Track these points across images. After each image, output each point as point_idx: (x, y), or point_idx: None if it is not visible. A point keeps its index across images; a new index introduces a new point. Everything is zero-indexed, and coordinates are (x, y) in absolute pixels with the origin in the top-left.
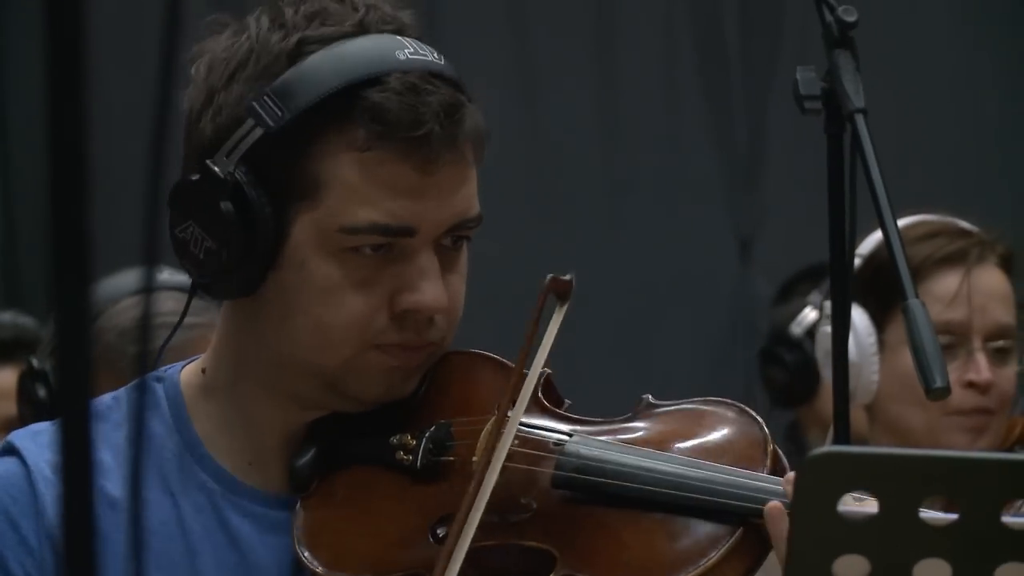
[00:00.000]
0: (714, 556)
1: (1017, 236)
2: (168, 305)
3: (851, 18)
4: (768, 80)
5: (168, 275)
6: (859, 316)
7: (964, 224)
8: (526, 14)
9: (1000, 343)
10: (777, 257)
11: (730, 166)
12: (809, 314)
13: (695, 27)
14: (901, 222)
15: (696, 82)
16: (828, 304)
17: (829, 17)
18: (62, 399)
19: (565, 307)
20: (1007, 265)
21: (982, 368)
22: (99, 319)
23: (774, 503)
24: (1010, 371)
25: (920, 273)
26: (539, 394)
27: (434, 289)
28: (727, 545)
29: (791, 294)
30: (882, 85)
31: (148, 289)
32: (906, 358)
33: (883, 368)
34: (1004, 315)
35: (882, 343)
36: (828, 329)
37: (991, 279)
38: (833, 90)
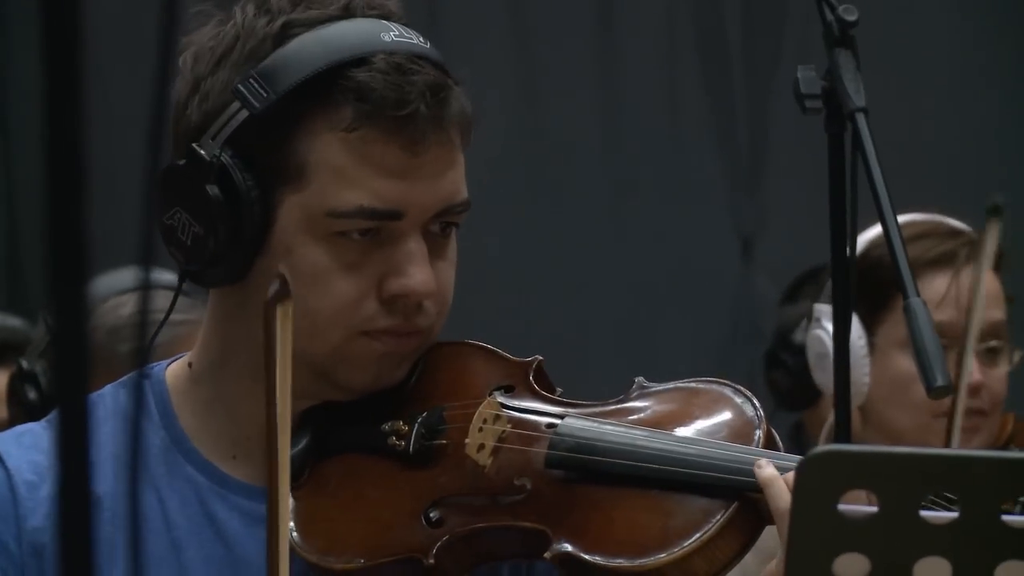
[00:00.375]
0: (708, 530)
1: (1017, 233)
2: (158, 303)
3: (851, 17)
4: (769, 79)
5: (157, 274)
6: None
7: (953, 223)
8: (527, 14)
9: (991, 343)
10: (779, 256)
11: (732, 165)
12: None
13: (696, 26)
14: (880, 225)
15: (697, 81)
16: (817, 308)
17: (830, 16)
18: (59, 397)
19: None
20: (996, 263)
21: (973, 370)
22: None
23: (763, 460)
24: (1001, 371)
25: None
26: (531, 379)
27: (422, 273)
28: (721, 519)
29: (797, 296)
30: (883, 84)
31: (146, 287)
32: (896, 361)
33: (874, 371)
34: (994, 314)
35: (872, 346)
36: (817, 332)
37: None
38: (834, 89)
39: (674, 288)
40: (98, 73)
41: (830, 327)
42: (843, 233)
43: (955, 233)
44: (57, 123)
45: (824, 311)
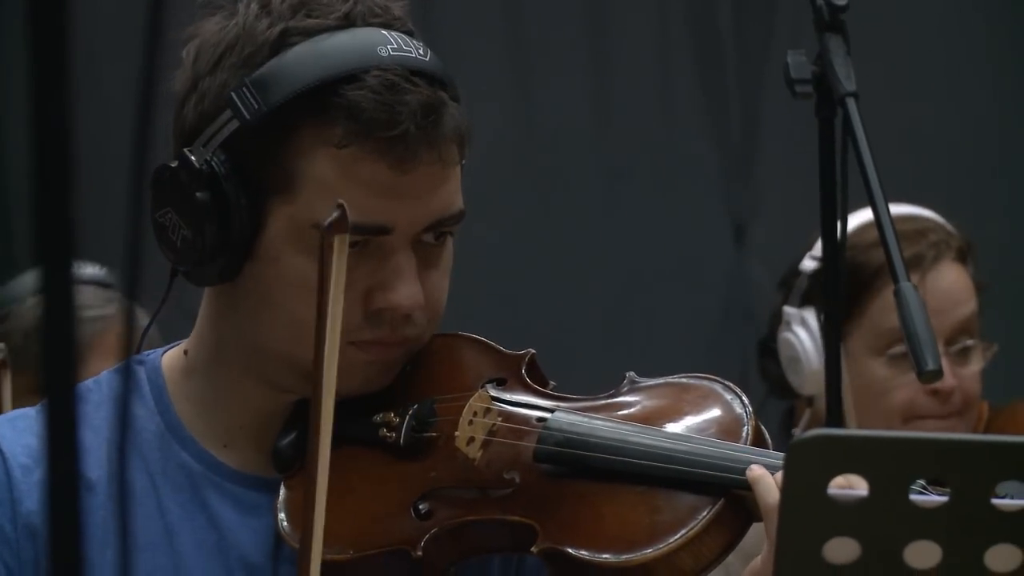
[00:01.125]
0: (695, 526)
1: (1015, 221)
2: (80, 299)
3: (842, 2)
4: (762, 66)
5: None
6: (819, 324)
7: (921, 216)
8: (520, 2)
9: (962, 343)
10: (772, 242)
11: (724, 151)
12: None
13: (689, 13)
14: (851, 224)
15: (690, 68)
16: (786, 311)
17: (820, 1)
18: (48, 383)
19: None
20: (964, 257)
21: (945, 374)
22: (5, 322)
23: (755, 465)
24: (974, 368)
25: (875, 281)
26: (523, 372)
27: (408, 289)
28: (708, 515)
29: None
30: (874, 69)
31: (131, 287)
32: (866, 367)
33: (847, 377)
34: (964, 311)
35: (844, 353)
36: (786, 336)
37: (948, 278)
38: (824, 74)
39: (667, 275)
40: (92, 63)
41: (799, 330)
42: (834, 216)
43: (921, 233)
44: (44, 111)
45: (793, 314)
